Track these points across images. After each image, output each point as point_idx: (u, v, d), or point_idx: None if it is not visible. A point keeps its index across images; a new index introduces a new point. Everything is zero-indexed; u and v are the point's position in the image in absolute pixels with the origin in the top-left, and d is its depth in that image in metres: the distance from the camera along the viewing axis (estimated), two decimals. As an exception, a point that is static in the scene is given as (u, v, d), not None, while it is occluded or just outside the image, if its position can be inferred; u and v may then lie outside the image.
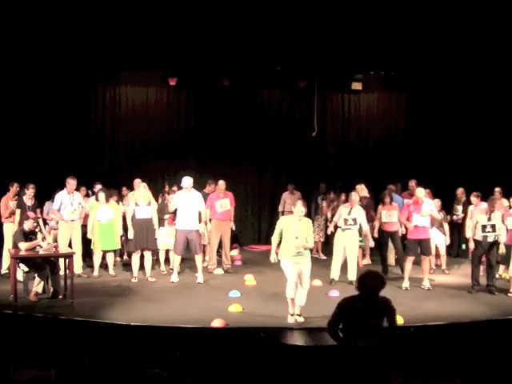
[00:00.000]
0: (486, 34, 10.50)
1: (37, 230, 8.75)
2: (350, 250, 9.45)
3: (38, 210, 9.89)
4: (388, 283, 4.78)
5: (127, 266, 10.29)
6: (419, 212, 8.99)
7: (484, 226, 8.72)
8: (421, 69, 12.36)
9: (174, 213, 9.72)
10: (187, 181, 9.47)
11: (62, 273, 8.64)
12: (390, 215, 9.92)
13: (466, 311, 7.79)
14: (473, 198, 9.26)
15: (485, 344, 5.97)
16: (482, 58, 11.31)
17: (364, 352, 4.37)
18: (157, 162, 13.20)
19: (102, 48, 10.90)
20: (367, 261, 11.25)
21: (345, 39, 10.93)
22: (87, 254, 10.36)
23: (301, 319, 7.21)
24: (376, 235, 10.07)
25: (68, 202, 9.60)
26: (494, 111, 12.48)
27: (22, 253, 8.20)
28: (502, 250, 8.89)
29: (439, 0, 10.19)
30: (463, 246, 10.26)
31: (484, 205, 9.10)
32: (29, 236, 8.37)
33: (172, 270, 9.65)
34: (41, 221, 9.88)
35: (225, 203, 10.40)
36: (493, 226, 8.70)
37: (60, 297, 8.30)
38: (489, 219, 8.74)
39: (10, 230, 9.52)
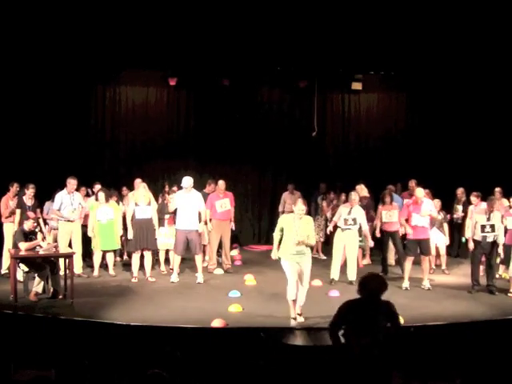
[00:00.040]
0: (486, 33, 10.50)
1: (37, 230, 8.75)
2: (349, 250, 9.45)
3: (38, 210, 9.90)
4: (388, 283, 4.77)
5: (127, 265, 10.29)
6: (419, 212, 8.99)
7: (483, 226, 8.72)
8: (421, 69, 12.35)
9: (174, 213, 9.72)
10: (187, 181, 9.47)
11: (62, 273, 8.63)
12: (390, 215, 9.92)
13: (465, 311, 7.79)
14: (473, 198, 9.25)
15: (485, 344, 5.97)
16: (482, 58, 11.31)
17: (364, 349, 4.36)
18: (157, 161, 13.21)
19: (101, 48, 10.90)
20: (367, 261, 11.25)
21: (345, 39, 10.93)
22: (87, 253, 10.36)
23: (301, 319, 7.21)
24: (378, 235, 10.07)
25: (68, 201, 9.60)
26: (494, 111, 12.48)
27: (22, 253, 8.20)
28: (501, 254, 8.93)
29: (439, 0, 10.19)
30: (463, 239, 10.24)
31: (484, 205, 9.10)
32: (29, 236, 8.37)
33: (172, 269, 9.65)
34: (41, 221, 9.90)
35: (225, 203, 10.41)
36: (492, 226, 8.70)
37: (60, 297, 8.30)
38: (488, 219, 8.74)
39: (10, 230, 9.52)
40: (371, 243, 10.03)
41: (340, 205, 10.21)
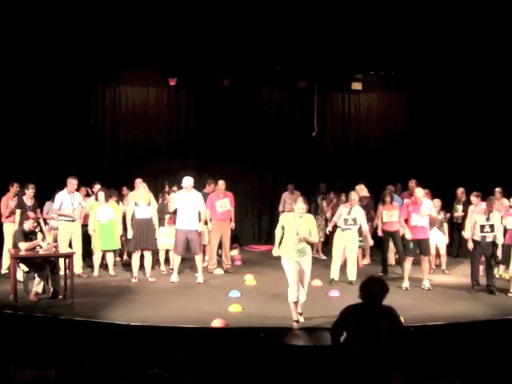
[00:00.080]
0: (486, 33, 10.50)
1: (37, 230, 8.75)
2: (349, 250, 9.45)
3: (38, 210, 9.90)
4: (388, 283, 4.76)
5: (127, 265, 10.29)
6: (418, 212, 8.99)
7: (482, 226, 8.72)
8: (421, 69, 12.36)
9: (175, 213, 9.72)
10: (188, 181, 9.47)
11: (62, 273, 8.64)
12: (390, 215, 9.92)
13: (465, 311, 7.79)
14: (473, 198, 9.25)
15: (485, 344, 5.97)
16: (482, 58, 11.31)
17: (365, 352, 4.35)
18: (157, 161, 13.21)
19: (102, 48, 10.91)
20: (367, 261, 11.25)
21: (345, 39, 10.93)
22: (87, 253, 10.36)
23: (301, 319, 7.19)
24: (381, 233, 10.06)
25: (68, 201, 9.60)
26: (494, 111, 12.48)
27: (22, 253, 8.20)
28: (499, 256, 8.95)
29: (439, 0, 10.19)
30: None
31: (484, 205, 9.10)
32: (29, 236, 8.37)
33: (172, 269, 9.64)
34: (41, 221, 9.90)
35: (225, 203, 10.41)
36: (491, 226, 8.70)
37: (60, 297, 8.30)
38: (487, 219, 8.74)
39: (10, 230, 9.52)
40: (371, 242, 10.02)
41: (340, 205, 10.21)
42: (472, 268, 9.00)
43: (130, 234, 9.56)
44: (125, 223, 9.93)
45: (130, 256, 10.26)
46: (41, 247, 8.38)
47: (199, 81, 13.10)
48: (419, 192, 9.16)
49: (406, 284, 9.04)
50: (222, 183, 10.49)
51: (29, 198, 9.65)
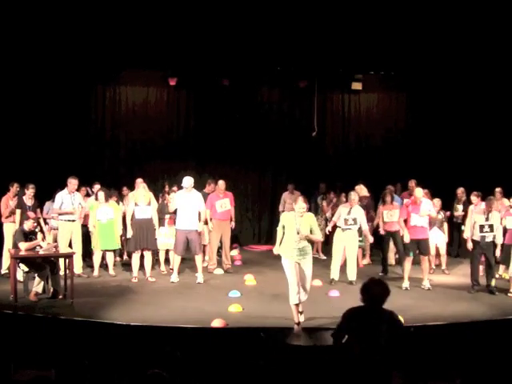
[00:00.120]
0: (486, 33, 10.50)
1: (37, 230, 8.75)
2: (349, 250, 9.45)
3: (38, 210, 9.90)
4: (388, 283, 4.76)
5: (127, 265, 10.29)
6: (417, 212, 8.99)
7: (482, 226, 8.73)
8: (421, 69, 12.36)
9: (175, 213, 9.72)
10: (188, 181, 9.47)
11: (62, 273, 8.64)
12: (391, 215, 9.91)
13: (466, 311, 7.79)
14: (473, 198, 9.25)
15: (485, 344, 5.97)
16: (482, 58, 11.31)
17: (365, 354, 4.34)
18: (157, 162, 13.21)
19: (102, 48, 10.91)
20: (367, 261, 11.25)
21: (345, 39, 10.93)
22: (87, 253, 10.37)
23: (301, 318, 7.17)
24: (383, 232, 10.05)
25: (69, 201, 9.60)
26: (494, 111, 12.48)
27: (22, 253, 8.20)
28: (497, 256, 8.95)
29: (439, 0, 10.19)
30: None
31: (484, 205, 9.10)
32: (29, 236, 8.37)
33: (172, 269, 9.64)
34: (41, 221, 9.90)
35: (225, 203, 10.41)
36: (490, 226, 8.71)
37: (60, 297, 8.30)
38: (486, 219, 8.75)
39: (10, 230, 9.52)
40: (371, 239, 10.01)
41: (339, 204, 10.20)
42: (472, 268, 9.00)
43: (129, 234, 9.56)
44: (125, 223, 9.93)
45: (129, 256, 10.27)
46: (41, 247, 8.38)
47: (199, 81, 13.10)
48: (419, 192, 9.16)
49: (405, 284, 9.05)
50: (221, 183, 10.49)
51: (29, 198, 9.66)
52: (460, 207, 11.12)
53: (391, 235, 10.05)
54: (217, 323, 6.93)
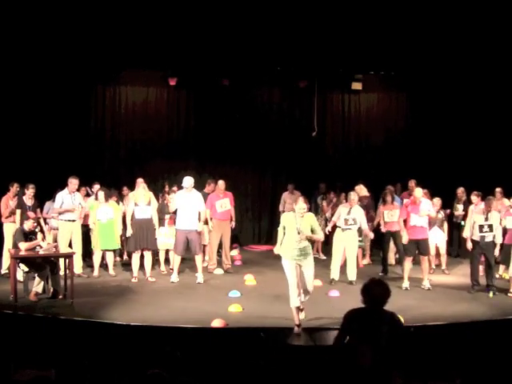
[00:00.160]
0: (486, 33, 10.50)
1: (37, 230, 8.75)
2: (349, 250, 9.45)
3: (38, 210, 9.90)
4: (388, 283, 4.75)
5: (127, 265, 10.29)
6: (417, 212, 8.99)
7: (481, 226, 8.73)
8: (421, 69, 12.35)
9: (175, 213, 9.72)
10: (188, 181, 9.47)
11: (62, 273, 8.64)
12: (391, 215, 9.91)
13: (466, 311, 7.79)
14: (473, 198, 9.26)
15: (485, 344, 5.97)
16: (482, 58, 11.30)
17: (365, 355, 4.34)
18: (157, 161, 13.20)
19: (102, 48, 10.90)
20: (367, 261, 11.26)
21: (345, 39, 10.92)
22: (87, 253, 10.37)
23: (302, 315, 7.15)
24: (384, 230, 10.05)
25: (69, 201, 9.60)
26: (494, 111, 12.48)
27: (22, 253, 8.20)
28: (496, 256, 8.95)
29: (439, 0, 10.19)
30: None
31: (483, 205, 9.10)
32: (29, 236, 8.38)
33: (172, 269, 9.65)
34: (41, 221, 9.90)
35: (225, 203, 10.41)
36: (490, 226, 8.71)
37: (60, 297, 8.30)
38: (486, 219, 8.75)
39: (10, 230, 9.51)
40: (371, 235, 10.00)
41: (339, 204, 10.20)
42: (472, 268, 9.01)
43: (129, 233, 9.56)
44: (125, 223, 9.93)
45: (129, 256, 10.27)
46: (41, 247, 8.38)
47: (199, 81, 13.10)
48: (418, 192, 9.17)
49: (405, 284, 9.05)
50: (221, 183, 10.49)
51: (29, 198, 9.66)
52: (460, 207, 11.12)
53: (391, 235, 10.05)
54: (217, 323, 6.93)
